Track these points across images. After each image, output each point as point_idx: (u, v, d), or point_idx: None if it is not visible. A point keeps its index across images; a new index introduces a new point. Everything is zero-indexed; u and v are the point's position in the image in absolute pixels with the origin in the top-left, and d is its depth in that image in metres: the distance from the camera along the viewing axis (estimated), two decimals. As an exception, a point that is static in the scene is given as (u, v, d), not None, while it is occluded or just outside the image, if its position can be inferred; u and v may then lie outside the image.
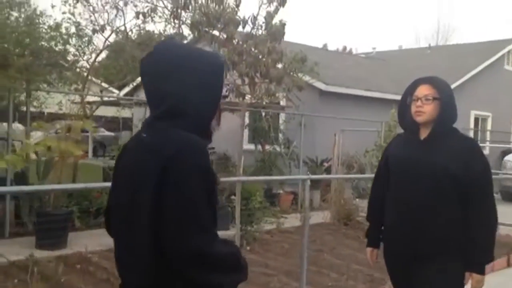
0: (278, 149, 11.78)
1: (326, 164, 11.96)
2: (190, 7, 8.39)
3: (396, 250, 2.77)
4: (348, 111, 12.68)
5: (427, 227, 2.64)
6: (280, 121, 13.02)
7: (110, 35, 8.63)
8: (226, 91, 9.52)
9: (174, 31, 9.05)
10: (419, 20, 64.96)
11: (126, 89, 16.79)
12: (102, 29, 8.38)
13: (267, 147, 11.82)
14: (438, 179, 2.62)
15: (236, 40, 8.89)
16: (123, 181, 1.55)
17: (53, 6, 8.11)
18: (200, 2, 8.48)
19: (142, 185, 1.44)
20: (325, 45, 23.97)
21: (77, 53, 7.95)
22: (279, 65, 9.38)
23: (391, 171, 2.86)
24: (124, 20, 8.58)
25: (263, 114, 10.73)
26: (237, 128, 12.58)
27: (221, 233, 5.56)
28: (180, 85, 1.53)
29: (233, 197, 7.10)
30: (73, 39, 7.69)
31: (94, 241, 6.56)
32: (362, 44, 64.41)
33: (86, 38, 8.24)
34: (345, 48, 24.65)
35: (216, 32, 8.78)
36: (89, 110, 9.17)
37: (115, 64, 10.57)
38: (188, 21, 8.36)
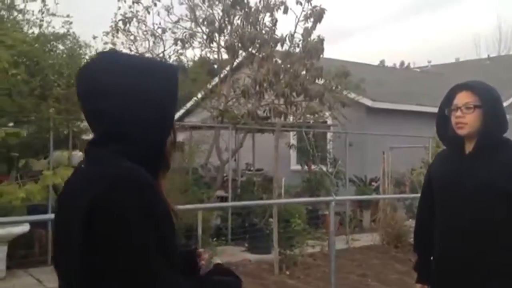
0: (324, 168, 11.49)
1: (374, 184, 11.54)
2: (225, 31, 8.46)
3: (448, 284, 2.44)
4: (398, 127, 12.22)
5: (481, 255, 2.29)
6: (328, 140, 12.77)
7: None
8: (264, 112, 9.47)
9: (212, 55, 9.17)
10: (479, 30, 62.46)
11: (181, 111, 17.12)
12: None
13: (313, 166, 11.57)
14: (487, 198, 2.28)
15: (274, 59, 8.89)
16: (58, 218, 1.31)
17: (95, 37, 8.45)
18: (235, 25, 8.53)
19: (70, 227, 1.20)
20: (382, 61, 23.59)
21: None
22: (320, 81, 9.27)
23: (435, 193, 2.52)
24: (164, 47, 8.79)
25: (306, 133, 10.55)
26: (282, 148, 12.50)
27: (260, 257, 5.49)
28: (120, 103, 1.24)
29: (271, 219, 6.94)
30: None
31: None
32: (419, 59, 62.69)
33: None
34: (402, 63, 24.13)
35: (251, 53, 8.81)
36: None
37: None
38: (223, 44, 8.44)
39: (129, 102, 1.26)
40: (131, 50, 8.48)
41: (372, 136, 11.78)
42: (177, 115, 17.41)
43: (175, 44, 8.45)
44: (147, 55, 8.61)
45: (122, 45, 8.69)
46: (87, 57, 7.73)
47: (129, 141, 1.25)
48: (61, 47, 7.59)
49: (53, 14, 7.63)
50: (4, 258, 6.01)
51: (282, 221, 7.39)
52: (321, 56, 9.30)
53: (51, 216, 6.61)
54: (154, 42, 8.48)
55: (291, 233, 7.41)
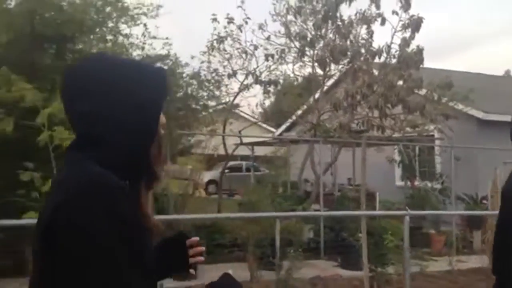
0: (429, 184, 10.87)
1: (486, 202, 10.63)
2: (316, 45, 8.48)
3: None
4: (514, 140, 11.16)
5: None
6: (435, 155, 12.07)
7: (244, 78, 9.17)
8: (357, 125, 9.25)
9: (304, 69, 9.23)
10: None
11: (283, 127, 17.46)
12: (234, 73, 8.93)
13: (416, 182, 11.00)
14: None
15: (370, 71, 8.69)
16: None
17: (192, 57, 8.99)
18: (327, 38, 8.52)
19: (36, 239, 1.10)
20: (507, 71, 21.92)
21: (211, 94, 8.55)
22: (421, 92, 8.86)
23: None
24: (257, 63, 9.04)
25: (407, 147, 10.08)
26: (385, 164, 12.07)
27: (352, 273, 5.39)
28: (98, 106, 1.17)
29: (360, 234, 6.72)
30: (205, 84, 8.33)
31: (219, 274, 6.79)
32: (552, 67, 56.73)
33: (219, 83, 8.91)
34: (527, 73, 22.18)
35: (342, 65, 8.70)
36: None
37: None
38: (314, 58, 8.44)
39: (108, 106, 1.17)
40: (224, 68, 8.95)
41: (484, 151, 10.91)
42: (281, 129, 17.81)
43: (266, 60, 8.66)
44: (243, 72, 8.99)
45: (219, 63, 9.15)
46: (184, 75, 8.28)
47: (106, 146, 1.16)
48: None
49: (154, 37, 8.31)
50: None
51: (375, 237, 7.13)
52: (420, 66, 8.94)
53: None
54: (246, 60, 8.80)
55: (383, 250, 7.10)
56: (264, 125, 21.30)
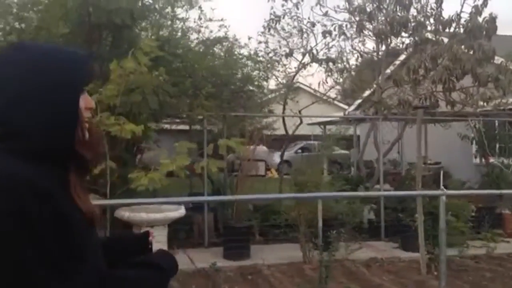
0: (506, 161, 10.16)
1: None
2: (375, 18, 8.14)
3: None
4: None
5: None
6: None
7: (303, 58, 9.03)
8: (420, 101, 8.80)
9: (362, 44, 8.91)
10: None
11: (352, 107, 17.04)
12: (291, 52, 8.81)
13: (492, 159, 10.32)
14: None
15: (439, 43, 8.21)
16: None
17: (249, 38, 8.97)
18: (386, 10, 8.15)
19: None
20: None
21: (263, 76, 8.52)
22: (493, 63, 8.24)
23: None
24: (316, 40, 8.85)
25: (480, 122, 9.46)
26: (454, 141, 11.44)
27: (412, 255, 5.30)
28: (12, 96, 1.16)
29: (417, 215, 6.47)
30: (261, 64, 8.31)
31: (273, 255, 6.89)
32: None
33: (277, 63, 8.85)
34: None
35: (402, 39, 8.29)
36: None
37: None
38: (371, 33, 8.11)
39: (22, 97, 1.16)
40: (280, 48, 8.86)
41: None
42: (353, 107, 17.40)
43: (324, 37, 8.45)
44: (300, 50, 8.86)
45: (278, 43, 9.08)
46: (240, 56, 8.33)
47: (24, 137, 1.15)
48: (217, 50, 8.28)
49: (210, 20, 8.41)
50: (165, 239, 6.85)
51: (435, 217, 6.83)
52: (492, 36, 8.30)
53: (206, 198, 7.35)
54: (303, 38, 8.65)
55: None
56: (339, 104, 20.91)
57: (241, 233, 6.91)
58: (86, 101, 1.27)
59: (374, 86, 9.80)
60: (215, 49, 8.26)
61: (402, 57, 8.71)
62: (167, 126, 9.68)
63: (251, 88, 7.62)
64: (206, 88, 6.93)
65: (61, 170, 1.20)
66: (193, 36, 8.29)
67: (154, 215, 6.66)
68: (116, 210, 6.65)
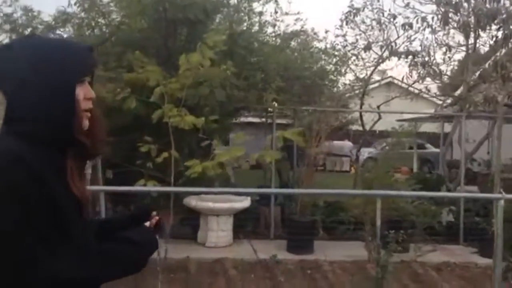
0: None
1: None
2: (461, 10, 7.65)
3: None
4: None
5: None
6: None
7: (383, 51, 8.66)
8: (509, 99, 8.11)
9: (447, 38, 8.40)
10: None
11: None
12: (369, 46, 8.49)
13: None
14: None
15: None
16: None
17: (326, 31, 8.82)
18: (475, 1, 7.62)
19: None
20: None
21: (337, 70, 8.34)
22: None
23: None
24: (397, 33, 8.44)
25: None
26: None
27: (487, 262, 5.04)
28: (14, 83, 1.29)
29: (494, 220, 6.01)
30: (337, 58, 8.15)
31: (338, 252, 6.79)
32: None
33: (356, 57, 8.60)
34: None
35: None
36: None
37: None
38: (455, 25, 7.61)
39: (26, 86, 1.28)
40: (357, 41, 8.59)
41: None
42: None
43: (404, 29, 8.07)
44: (379, 43, 8.53)
45: (357, 36, 8.84)
46: (317, 50, 8.26)
47: (20, 122, 1.27)
48: (294, 43, 8.28)
49: (286, 13, 8.41)
50: (230, 229, 7.05)
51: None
52: None
53: (272, 190, 7.44)
54: (383, 30, 8.31)
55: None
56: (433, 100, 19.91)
57: (305, 227, 6.90)
58: (85, 92, 1.37)
59: (454, 79, 9.24)
60: (292, 42, 8.27)
61: (489, 51, 8.08)
62: (252, 119, 9.89)
63: (325, 82, 7.52)
64: (276, 82, 6.98)
65: (58, 155, 1.32)
66: (269, 29, 8.36)
67: (220, 205, 6.90)
68: (185, 198, 7.00)
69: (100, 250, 1.41)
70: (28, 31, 6.36)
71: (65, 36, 6.76)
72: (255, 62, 7.27)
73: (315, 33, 8.99)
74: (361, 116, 9.20)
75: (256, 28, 8.06)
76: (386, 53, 8.44)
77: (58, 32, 6.65)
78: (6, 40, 6.41)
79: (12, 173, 1.18)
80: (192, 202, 6.87)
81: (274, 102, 7.17)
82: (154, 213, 1.73)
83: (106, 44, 6.26)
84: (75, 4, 6.72)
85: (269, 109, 7.25)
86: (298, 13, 8.43)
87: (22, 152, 1.21)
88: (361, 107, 9.08)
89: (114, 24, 6.63)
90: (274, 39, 8.22)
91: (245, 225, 7.49)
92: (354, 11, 8.23)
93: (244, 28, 7.78)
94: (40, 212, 1.21)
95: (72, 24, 6.93)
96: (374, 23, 8.41)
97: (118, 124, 6.15)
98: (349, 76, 9.58)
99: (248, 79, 6.66)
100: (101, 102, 5.83)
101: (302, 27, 8.40)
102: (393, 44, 8.31)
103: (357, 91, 9.43)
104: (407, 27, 8.02)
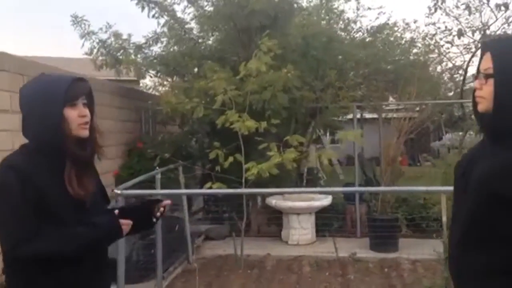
0: None
1: None
2: None
3: None
4: None
5: (459, 274, 1.79)
6: None
7: (480, 37, 7.93)
8: None
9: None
10: None
11: None
12: (462, 32, 7.80)
13: None
14: (477, 203, 1.69)
15: None
16: None
17: (415, 21, 8.34)
18: None
19: None
20: None
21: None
22: None
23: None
24: (495, 16, 7.65)
25: None
26: None
27: None
28: (24, 112, 1.87)
29: None
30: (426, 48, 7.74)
31: (424, 250, 6.50)
32: None
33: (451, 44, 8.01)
34: None
35: None
36: None
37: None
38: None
39: (28, 113, 1.88)
40: (446, 28, 7.97)
41: None
42: None
43: (499, 10, 7.32)
44: (472, 28, 7.85)
45: (448, 23, 8.30)
46: (405, 41, 7.93)
47: (31, 138, 1.88)
48: (380, 35, 8.05)
49: (369, 8, 8.19)
50: (312, 227, 7.18)
51: None
52: None
53: (358, 188, 7.39)
54: (471, 14, 7.62)
55: None
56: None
57: (388, 225, 6.75)
58: (79, 111, 1.88)
59: None
60: (378, 35, 8.10)
61: None
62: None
63: (416, 72, 7.22)
64: (352, 77, 6.96)
65: (56, 162, 1.85)
66: (352, 26, 8.28)
67: (299, 203, 7.07)
68: (267, 198, 7.32)
69: (65, 232, 1.83)
70: (120, 53, 7.20)
71: (155, 52, 7.47)
72: (332, 61, 7.29)
73: (406, 24, 8.66)
74: (462, 105, 8.63)
75: (336, 26, 8.05)
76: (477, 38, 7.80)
77: (146, 51, 7.36)
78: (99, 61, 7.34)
79: (2, 177, 1.77)
80: (272, 201, 7.15)
81: (352, 101, 7.15)
82: (165, 202, 2.18)
83: (186, 59, 6.82)
84: (163, 25, 7.41)
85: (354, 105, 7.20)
86: (381, 7, 8.20)
87: (16, 161, 1.81)
88: (461, 96, 8.51)
89: (193, 39, 7.20)
90: (357, 35, 8.12)
91: (330, 223, 7.54)
92: (442, -4, 7.76)
93: (324, 28, 7.81)
94: (23, 203, 1.75)
95: (161, 42, 7.63)
96: (463, 7, 7.82)
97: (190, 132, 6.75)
98: (444, 65, 9.02)
99: (323, 79, 6.74)
100: (175, 112, 6.46)
101: (387, 20, 8.14)
102: (486, 28, 7.65)
103: (457, 79, 8.84)
104: (502, 7, 7.34)
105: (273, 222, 7.60)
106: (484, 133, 1.84)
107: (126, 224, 1.99)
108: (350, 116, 8.55)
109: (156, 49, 7.36)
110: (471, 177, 1.72)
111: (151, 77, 7.89)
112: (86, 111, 1.91)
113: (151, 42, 7.51)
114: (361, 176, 7.79)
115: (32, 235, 1.75)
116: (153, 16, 7.24)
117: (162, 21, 7.30)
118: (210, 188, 5.38)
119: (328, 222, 7.50)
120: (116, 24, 7.54)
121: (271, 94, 5.89)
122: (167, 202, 2.19)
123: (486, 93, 1.69)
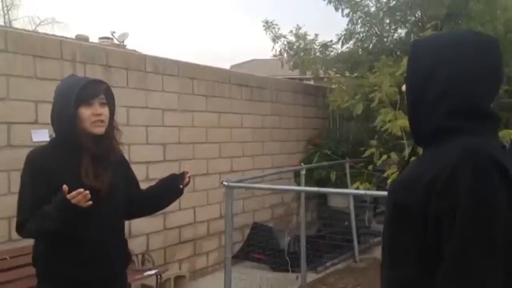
0: None
1: None
2: None
3: None
4: None
5: None
6: None
7: None
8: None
9: None
10: None
11: None
12: None
13: None
14: None
15: None
16: None
17: None
18: None
19: None
20: None
21: None
22: None
23: None
24: None
25: None
26: None
27: None
28: (51, 111, 2.16)
29: None
30: None
31: None
32: None
33: None
34: None
35: None
36: None
37: None
38: None
39: (51, 111, 2.16)
40: None
41: None
42: None
43: None
44: None
45: None
46: None
47: (56, 132, 2.16)
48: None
49: None
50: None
51: None
52: None
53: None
54: None
55: None
56: None
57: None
58: (93, 110, 2.10)
59: None
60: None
61: None
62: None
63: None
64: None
65: (74, 155, 2.08)
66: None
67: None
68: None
69: (38, 212, 2.01)
70: (303, 53, 7.46)
71: (336, 50, 7.52)
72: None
73: None
74: None
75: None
76: None
77: (333, 47, 7.45)
78: (290, 63, 7.70)
79: (26, 163, 2.12)
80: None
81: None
82: (188, 174, 2.46)
83: (360, 54, 6.68)
84: (356, 22, 7.32)
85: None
86: None
87: (33, 153, 2.14)
88: None
89: (371, 35, 6.96)
90: None
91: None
92: None
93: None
94: (28, 191, 2.07)
95: (355, 40, 7.53)
96: None
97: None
98: None
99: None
100: (339, 109, 6.38)
101: None
102: None
103: None
104: None
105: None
106: None
107: (75, 194, 1.92)
108: None
109: (338, 46, 7.36)
110: None
111: (328, 74, 7.91)
112: (101, 110, 2.10)
113: (343, 40, 7.43)
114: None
115: (28, 216, 2.02)
116: (347, 15, 7.17)
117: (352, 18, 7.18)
118: (357, 188, 5.25)
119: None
120: (304, 26, 7.79)
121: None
122: (188, 173, 2.42)
123: None
